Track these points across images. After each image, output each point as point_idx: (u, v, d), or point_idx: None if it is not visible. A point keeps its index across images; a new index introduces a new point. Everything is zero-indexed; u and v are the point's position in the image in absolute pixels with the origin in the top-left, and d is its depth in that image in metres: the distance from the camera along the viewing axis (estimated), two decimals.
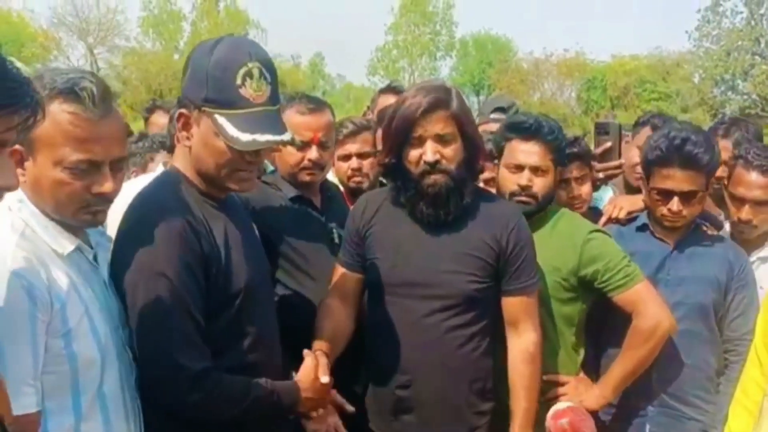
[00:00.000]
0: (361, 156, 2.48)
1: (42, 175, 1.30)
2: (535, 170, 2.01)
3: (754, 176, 2.16)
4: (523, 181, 2.01)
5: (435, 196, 1.76)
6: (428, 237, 1.81)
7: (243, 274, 1.56)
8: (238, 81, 1.46)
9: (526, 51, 39.60)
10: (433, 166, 1.74)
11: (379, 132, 2.34)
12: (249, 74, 1.47)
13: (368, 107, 3.56)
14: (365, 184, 2.47)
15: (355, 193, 2.51)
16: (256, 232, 1.81)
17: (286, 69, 30.90)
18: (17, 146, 1.26)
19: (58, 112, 1.27)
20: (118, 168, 1.37)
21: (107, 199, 1.36)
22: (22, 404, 1.18)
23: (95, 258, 1.44)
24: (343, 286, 1.94)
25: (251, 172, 1.57)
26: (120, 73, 30.92)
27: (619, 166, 2.42)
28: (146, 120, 3.86)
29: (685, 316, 2.07)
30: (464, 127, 1.77)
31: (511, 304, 1.83)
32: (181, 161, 1.59)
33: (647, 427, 2.11)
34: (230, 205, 1.65)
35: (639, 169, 2.48)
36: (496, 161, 2.14)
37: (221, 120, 1.46)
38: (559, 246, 2.02)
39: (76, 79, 1.29)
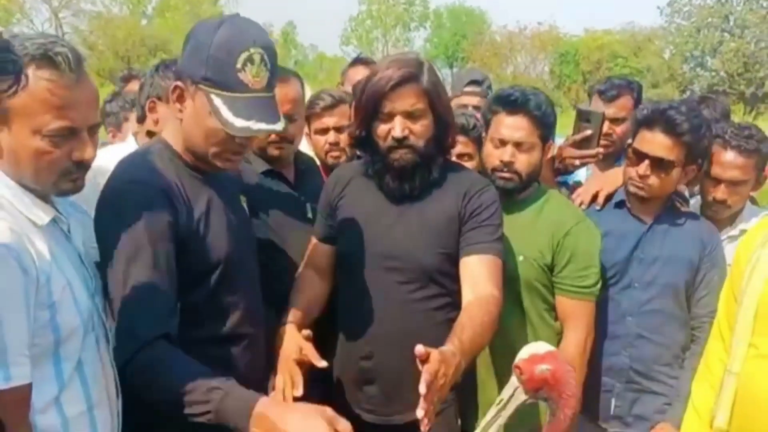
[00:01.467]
0: (338, 130, 2.43)
1: (20, 145, 1.27)
2: (519, 146, 1.98)
3: (731, 156, 2.18)
4: (506, 157, 1.98)
5: (401, 170, 1.76)
6: (395, 210, 1.81)
7: (223, 247, 1.56)
8: (239, 65, 1.45)
9: (500, 24, 39.68)
10: (401, 142, 1.73)
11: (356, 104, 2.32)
12: (250, 59, 1.46)
13: (340, 81, 3.52)
14: (343, 159, 2.44)
15: (333, 168, 2.48)
16: (245, 206, 1.80)
17: None
18: None
19: (34, 78, 1.23)
20: (94, 133, 1.36)
21: (87, 166, 1.35)
22: (19, 374, 1.19)
23: (68, 229, 1.43)
24: (316, 257, 1.95)
25: (239, 154, 1.58)
26: (86, 39, 30.08)
27: (595, 155, 2.40)
28: (121, 89, 3.77)
29: (658, 295, 2.10)
30: (435, 103, 1.75)
31: (465, 264, 1.74)
32: (170, 132, 1.59)
33: (613, 402, 2.15)
34: (218, 179, 1.65)
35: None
36: (484, 134, 2.12)
37: (217, 101, 1.46)
38: (542, 232, 2.00)
39: (49, 45, 1.26)
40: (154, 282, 1.42)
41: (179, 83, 1.51)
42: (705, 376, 1.97)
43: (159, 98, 2.14)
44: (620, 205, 2.20)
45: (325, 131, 2.46)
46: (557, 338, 2.02)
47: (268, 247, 2.07)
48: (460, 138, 2.33)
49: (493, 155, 2.01)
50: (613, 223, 2.15)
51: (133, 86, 3.56)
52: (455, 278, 1.77)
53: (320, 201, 1.98)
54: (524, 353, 1.39)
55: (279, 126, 1.52)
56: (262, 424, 1.23)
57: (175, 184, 1.52)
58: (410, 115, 1.73)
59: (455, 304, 1.77)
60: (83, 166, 1.34)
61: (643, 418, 2.13)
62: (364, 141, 1.82)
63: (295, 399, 1.64)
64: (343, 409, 1.85)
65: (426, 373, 1.31)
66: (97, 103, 1.37)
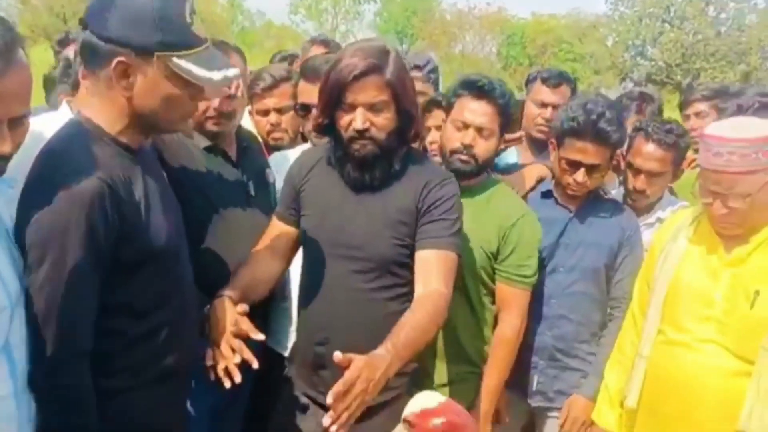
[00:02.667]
0: (279, 111, 2.41)
1: None
2: (480, 131, 2.04)
3: (651, 148, 2.31)
4: (467, 140, 2.04)
5: (361, 161, 1.75)
6: (354, 198, 1.80)
7: (163, 231, 1.51)
8: (188, 19, 1.41)
9: (450, 1, 39.61)
10: (362, 134, 1.71)
11: (302, 83, 2.29)
12: (192, 11, 1.42)
13: (285, 55, 3.48)
14: (285, 140, 2.43)
15: (275, 149, 2.45)
16: (166, 181, 1.74)
17: (202, 2, 29.38)
18: None
19: None
20: (20, 123, 1.26)
21: (5, 158, 1.26)
22: None
23: None
24: (273, 237, 1.93)
25: (192, 111, 1.54)
26: None
27: (519, 139, 2.58)
28: (57, 54, 3.60)
29: (579, 278, 2.23)
30: (398, 95, 1.72)
31: (420, 258, 1.74)
32: (99, 109, 1.47)
33: (536, 378, 2.28)
34: (145, 157, 1.59)
35: (538, 120, 2.77)
36: (444, 117, 2.16)
37: (185, 63, 1.40)
38: (490, 221, 2.07)
39: None
40: (80, 291, 1.35)
41: (121, 58, 1.39)
42: (618, 359, 2.10)
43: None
44: (547, 194, 2.32)
45: (266, 113, 2.43)
46: (494, 321, 2.13)
47: (209, 224, 2.06)
48: (437, 111, 2.38)
49: (454, 137, 2.06)
50: (541, 212, 2.24)
51: (71, 51, 3.41)
52: (412, 269, 1.78)
53: (284, 182, 1.96)
54: (414, 407, 1.33)
55: (235, 68, 1.51)
56: None
57: (113, 170, 1.41)
58: (372, 108, 1.70)
59: (411, 295, 1.77)
60: (1, 158, 1.25)
61: (563, 393, 2.27)
62: (326, 128, 1.80)
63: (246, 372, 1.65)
64: (299, 390, 1.89)
65: (339, 383, 1.34)
66: (27, 93, 1.26)
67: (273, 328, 2.25)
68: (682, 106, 3.20)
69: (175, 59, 1.40)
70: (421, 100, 2.48)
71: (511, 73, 29.79)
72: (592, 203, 2.28)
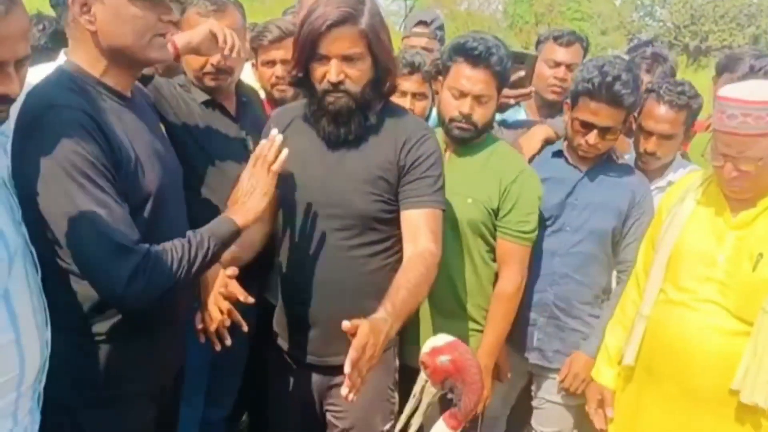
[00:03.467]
0: (285, 63, 2.38)
1: None
2: (478, 98, 2.01)
3: (663, 110, 2.27)
4: (465, 109, 2.01)
5: (336, 114, 1.70)
6: (331, 155, 1.76)
7: (153, 176, 1.50)
8: None
9: None
10: (336, 86, 1.67)
11: None
12: None
13: (292, 11, 3.40)
14: (289, 93, 2.40)
15: (279, 102, 2.44)
16: (164, 132, 1.74)
17: None
18: None
19: None
20: (21, 65, 1.27)
21: (11, 100, 1.27)
22: None
23: None
24: None
25: (167, 36, 1.51)
26: None
27: (529, 94, 2.51)
28: (55, 7, 3.51)
29: (585, 239, 2.22)
30: (373, 46, 1.67)
31: (406, 217, 1.73)
32: (81, 53, 1.48)
33: (535, 335, 2.29)
34: (137, 104, 1.58)
35: (551, 80, 2.70)
36: (440, 78, 2.12)
37: None
38: (491, 177, 2.06)
39: None
40: (105, 207, 1.37)
41: None
42: (619, 319, 2.11)
43: None
44: (558, 154, 2.29)
45: (272, 64, 2.41)
46: (495, 278, 2.13)
47: (207, 177, 2.05)
48: (414, 77, 2.33)
49: (452, 105, 2.03)
50: (551, 171, 2.24)
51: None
52: (393, 225, 1.76)
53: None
54: (426, 347, 1.46)
55: None
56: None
57: (98, 106, 1.43)
58: (347, 59, 1.66)
59: (392, 250, 1.78)
60: (7, 99, 1.26)
61: (561, 353, 2.28)
62: (301, 82, 1.76)
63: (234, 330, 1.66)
64: (282, 349, 1.90)
65: (352, 350, 1.34)
66: (27, 36, 1.27)
67: (269, 282, 2.26)
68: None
69: None
70: (429, 57, 2.45)
71: (516, 32, 29.30)
72: (603, 165, 2.25)
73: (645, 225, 2.17)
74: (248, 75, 2.48)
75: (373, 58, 1.69)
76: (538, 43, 2.94)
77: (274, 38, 2.38)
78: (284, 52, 2.37)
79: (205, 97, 2.10)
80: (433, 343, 1.45)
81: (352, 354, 1.35)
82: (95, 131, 1.37)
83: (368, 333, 1.39)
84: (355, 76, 1.68)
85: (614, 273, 2.30)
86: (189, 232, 1.49)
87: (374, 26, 1.67)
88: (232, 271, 1.70)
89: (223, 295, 1.68)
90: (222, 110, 2.13)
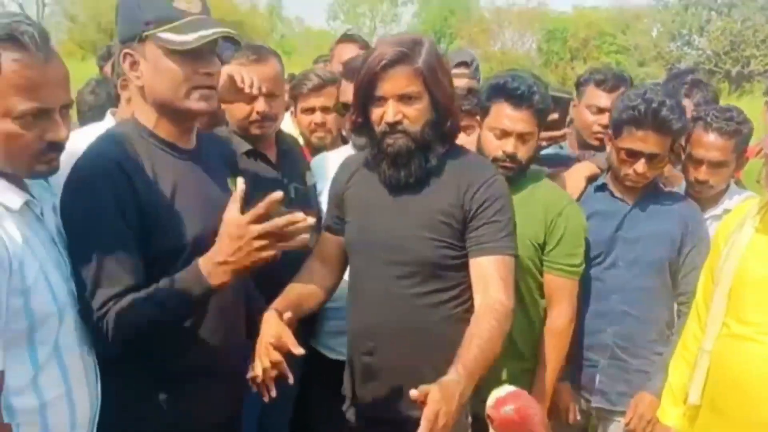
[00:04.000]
0: (325, 110, 2.42)
1: None
2: (521, 137, 1.99)
3: (712, 138, 2.21)
4: (509, 149, 1.99)
5: (395, 156, 1.67)
6: (395, 200, 1.73)
7: (193, 228, 1.51)
8: None
9: (488, 0, 39.28)
10: (394, 127, 1.65)
11: (344, 84, 2.30)
12: None
13: (324, 60, 3.48)
14: (328, 140, 2.43)
15: (318, 148, 2.46)
16: (234, 187, 1.75)
17: (243, 11, 29.92)
18: None
19: (1, 61, 1.20)
20: (66, 113, 1.33)
21: (61, 147, 1.33)
22: None
23: (41, 212, 1.40)
24: (324, 249, 1.89)
25: (210, 88, 1.54)
26: (67, 10, 29.46)
27: (563, 136, 2.47)
28: (101, 68, 3.68)
29: (641, 272, 2.14)
30: (431, 85, 1.64)
31: (476, 265, 1.67)
32: (138, 109, 1.56)
33: (597, 377, 2.20)
34: (201, 156, 1.62)
35: (595, 128, 2.58)
36: (477, 117, 2.12)
37: (165, 35, 1.45)
38: (535, 212, 2.03)
39: (14, 24, 1.22)
40: (116, 246, 1.41)
41: (127, 50, 1.49)
42: (681, 354, 2.02)
43: None
44: (601, 188, 2.24)
45: (311, 111, 2.45)
46: (544, 316, 2.08)
47: None
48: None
49: (495, 145, 2.02)
50: (597, 205, 2.18)
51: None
52: (459, 271, 1.70)
53: (329, 191, 1.93)
54: (490, 401, 1.40)
55: (233, 31, 1.53)
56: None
57: (141, 159, 1.49)
58: (403, 98, 1.63)
59: (460, 299, 1.72)
60: (57, 146, 1.31)
61: (627, 395, 2.17)
62: (362, 127, 1.74)
63: (284, 386, 1.63)
64: (348, 402, 1.85)
65: (424, 419, 1.27)
66: (68, 83, 1.33)
67: (317, 330, 2.23)
68: None
69: (158, 34, 1.46)
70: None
71: (552, 69, 29.37)
72: (651, 195, 2.19)
73: (702, 254, 2.09)
74: (287, 123, 2.52)
75: (431, 97, 1.66)
76: (578, 85, 2.81)
77: (314, 86, 2.42)
78: (324, 99, 2.41)
79: (247, 146, 2.13)
80: (497, 394, 1.40)
81: (424, 425, 1.27)
82: (120, 178, 1.43)
83: (440, 400, 1.30)
84: (413, 116, 1.65)
85: (675, 306, 2.21)
86: (162, 283, 1.44)
87: (431, 65, 1.64)
88: (289, 316, 1.65)
89: (273, 345, 1.64)
90: (264, 159, 2.16)
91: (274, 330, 1.64)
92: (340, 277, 1.90)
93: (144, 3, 1.47)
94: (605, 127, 2.55)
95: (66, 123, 1.32)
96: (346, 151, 2.26)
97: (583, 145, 2.69)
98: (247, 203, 2.04)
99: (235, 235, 1.41)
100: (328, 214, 1.92)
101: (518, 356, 2.06)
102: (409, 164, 1.67)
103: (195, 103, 1.51)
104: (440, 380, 1.36)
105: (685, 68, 3.25)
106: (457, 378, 1.40)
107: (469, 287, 1.70)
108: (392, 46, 1.64)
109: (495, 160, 2.01)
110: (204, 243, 1.49)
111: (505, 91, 2.00)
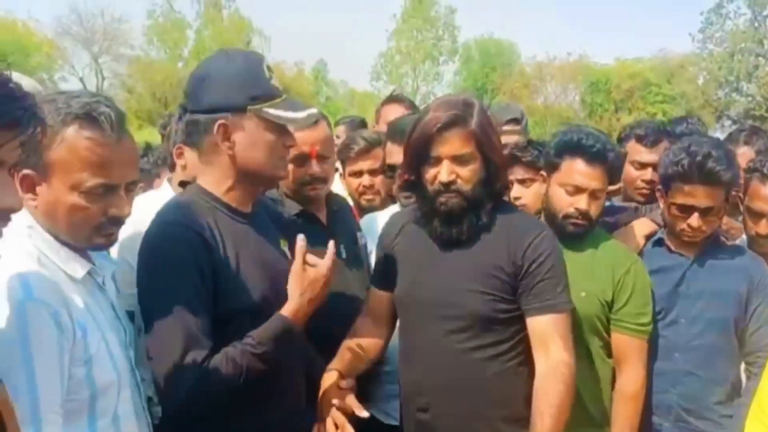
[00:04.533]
0: (372, 173, 2.46)
1: (57, 200, 1.30)
2: (594, 193, 2.00)
3: None
4: (582, 205, 1.99)
5: (448, 214, 1.72)
6: (445, 255, 1.76)
7: (257, 290, 1.56)
8: (267, 75, 1.58)
9: (529, 55, 39.71)
10: (448, 186, 1.70)
11: (389, 145, 2.33)
12: (269, 68, 1.60)
13: (344, 122, 3.56)
14: (377, 201, 2.45)
15: (367, 210, 2.48)
16: (286, 250, 1.79)
17: (290, 76, 30.98)
18: (28, 171, 1.27)
19: (76, 137, 1.28)
20: (131, 189, 1.39)
21: (121, 221, 1.38)
22: None
23: (103, 281, 1.45)
24: (374, 305, 1.91)
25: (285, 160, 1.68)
26: (125, 82, 31.10)
27: (619, 190, 2.45)
28: (163, 136, 3.86)
29: (705, 330, 2.06)
30: (483, 146, 1.70)
31: (535, 324, 1.69)
32: (208, 176, 1.62)
33: None
34: (257, 219, 1.68)
35: (638, 183, 2.57)
36: (542, 172, 2.13)
37: (273, 111, 1.55)
38: (602, 269, 2.01)
39: (93, 104, 1.30)
40: (200, 310, 1.45)
41: (222, 121, 1.53)
42: (758, 416, 1.88)
43: (185, 144, 2.19)
44: (658, 243, 2.19)
45: (359, 174, 2.49)
46: (612, 375, 2.02)
47: None
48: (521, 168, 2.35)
49: (567, 201, 2.02)
50: (656, 261, 2.13)
51: None
52: (512, 325, 1.71)
53: (376, 247, 1.97)
54: None
55: (315, 108, 1.72)
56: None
57: (210, 225, 1.54)
58: (457, 159, 1.69)
59: (512, 353, 1.72)
60: (118, 221, 1.37)
61: None
62: (413, 185, 1.80)
63: None
64: None
65: None
66: (137, 161, 1.42)
67: (374, 393, 2.20)
68: None
69: (265, 109, 1.55)
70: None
71: (597, 120, 29.23)
72: (711, 249, 2.12)
73: None
74: (336, 184, 2.56)
75: (483, 157, 1.71)
76: (620, 140, 2.78)
77: (361, 149, 2.47)
78: (371, 162, 2.45)
79: (298, 208, 2.16)
80: None
81: None
82: (197, 244, 1.49)
83: None
84: (466, 176, 1.70)
85: (742, 366, 2.10)
86: (251, 336, 1.51)
87: (483, 127, 1.71)
88: (349, 383, 1.69)
89: (338, 408, 1.65)
90: (315, 220, 2.18)
91: (338, 392, 1.68)
92: (391, 333, 1.92)
93: (249, 78, 1.55)
94: (648, 182, 2.54)
95: (130, 199, 1.38)
96: (394, 210, 2.28)
97: (629, 200, 2.65)
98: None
99: (306, 274, 1.57)
100: (376, 271, 1.94)
101: (590, 421, 2.00)
102: (461, 222, 1.72)
103: (281, 170, 1.65)
104: None
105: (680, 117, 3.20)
106: None
107: (522, 341, 1.72)
108: (446, 109, 1.70)
109: (566, 216, 2.02)
110: (268, 305, 1.56)
111: (579, 147, 2.01)
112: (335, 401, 1.65)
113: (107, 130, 1.29)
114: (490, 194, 1.75)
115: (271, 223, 1.78)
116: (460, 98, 1.77)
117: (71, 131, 1.27)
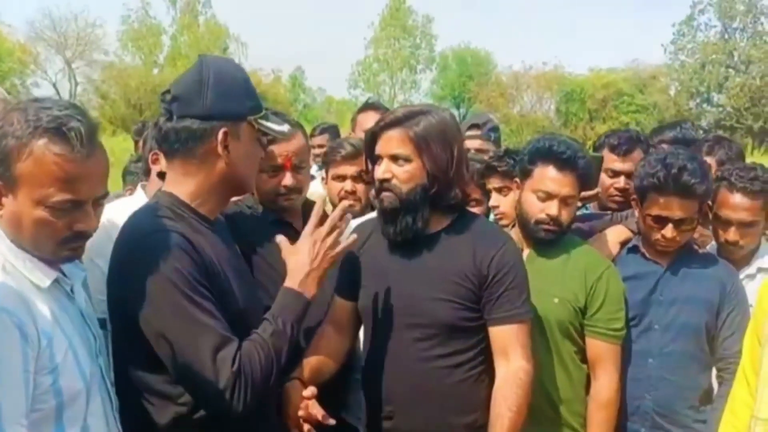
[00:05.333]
0: (355, 179, 2.45)
1: (22, 213, 1.27)
2: (565, 200, 2.01)
3: (738, 198, 2.18)
4: (553, 211, 2.01)
5: (383, 212, 1.75)
6: (408, 264, 1.76)
7: (240, 297, 1.56)
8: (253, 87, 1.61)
9: (506, 64, 40.09)
10: (382, 184, 1.74)
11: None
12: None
13: (351, 128, 3.57)
14: (357, 207, 2.44)
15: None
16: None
17: (267, 83, 30.85)
18: None
19: (44, 151, 1.24)
20: (99, 204, 1.36)
21: (87, 235, 1.35)
22: None
23: (71, 289, 1.41)
24: (336, 314, 1.91)
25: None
26: (98, 88, 30.64)
27: (596, 195, 2.49)
28: (137, 143, 3.83)
29: (678, 336, 2.08)
30: (423, 152, 1.70)
31: (497, 333, 1.72)
32: (178, 184, 1.56)
33: None
34: (219, 228, 1.66)
35: (612, 191, 2.60)
36: (516, 179, 2.13)
37: (266, 123, 1.58)
38: (575, 275, 2.02)
39: (63, 118, 1.26)
40: (214, 307, 1.43)
41: (225, 129, 1.50)
42: (730, 421, 1.91)
43: (163, 150, 2.17)
44: (633, 250, 2.21)
45: (342, 179, 2.48)
46: (586, 381, 2.04)
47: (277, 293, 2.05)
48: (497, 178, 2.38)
49: (538, 207, 2.03)
50: (631, 268, 2.15)
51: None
52: (476, 333, 1.73)
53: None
54: None
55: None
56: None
57: (189, 231, 1.51)
58: (395, 159, 1.72)
59: (476, 361, 1.74)
60: (84, 235, 1.33)
61: None
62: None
63: None
64: None
65: None
66: (106, 176, 1.37)
67: (348, 401, 2.18)
68: None
69: (260, 120, 1.57)
70: (484, 157, 2.46)
71: (572, 129, 29.55)
72: (685, 257, 2.15)
73: (741, 317, 2.03)
74: (315, 184, 2.55)
75: (426, 161, 1.72)
76: (595, 148, 2.81)
77: (348, 154, 2.46)
78: (356, 168, 2.45)
79: (274, 216, 2.15)
80: None
81: None
82: (192, 251, 1.45)
83: None
84: (402, 177, 1.72)
85: (714, 372, 2.13)
86: (268, 319, 1.52)
87: (426, 135, 1.71)
88: (310, 392, 1.67)
89: (303, 418, 1.64)
90: (290, 228, 2.17)
91: (300, 402, 1.67)
92: (354, 341, 1.93)
93: (250, 89, 1.58)
94: (621, 190, 2.56)
95: (98, 212, 1.35)
96: (371, 217, 2.27)
97: (603, 208, 2.69)
98: (275, 269, 2.06)
99: (309, 244, 1.59)
100: (339, 279, 1.92)
101: (566, 425, 2.02)
102: (395, 221, 1.75)
103: (253, 183, 1.69)
104: None
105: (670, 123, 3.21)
106: None
107: (484, 350, 1.75)
108: (398, 112, 1.76)
109: (538, 222, 2.03)
110: (248, 311, 1.56)
111: (550, 154, 2.02)
112: (300, 412, 1.65)
113: (76, 146, 1.25)
114: (428, 201, 1.73)
115: (226, 230, 1.76)
116: (422, 106, 1.79)
117: (40, 145, 1.23)
